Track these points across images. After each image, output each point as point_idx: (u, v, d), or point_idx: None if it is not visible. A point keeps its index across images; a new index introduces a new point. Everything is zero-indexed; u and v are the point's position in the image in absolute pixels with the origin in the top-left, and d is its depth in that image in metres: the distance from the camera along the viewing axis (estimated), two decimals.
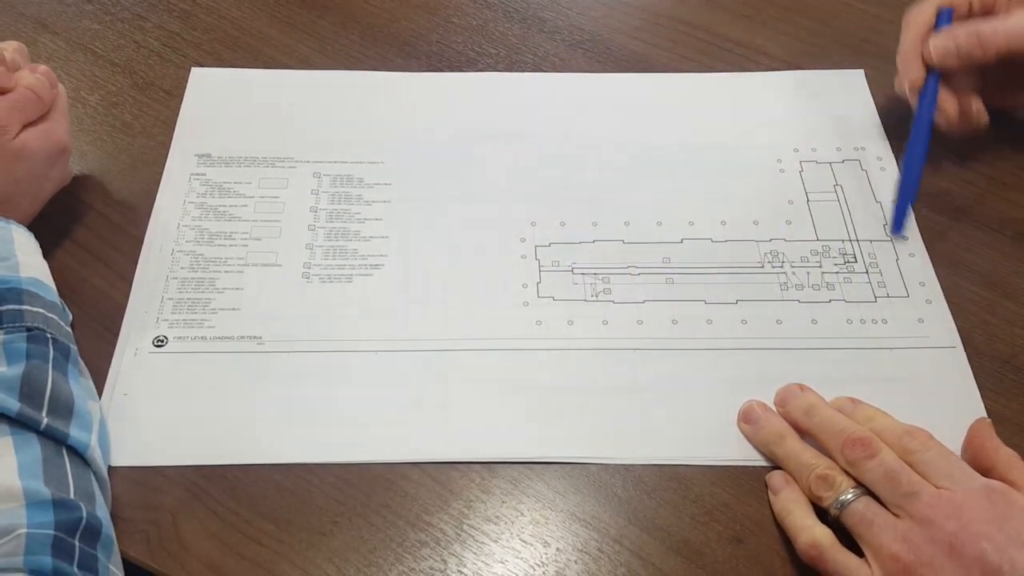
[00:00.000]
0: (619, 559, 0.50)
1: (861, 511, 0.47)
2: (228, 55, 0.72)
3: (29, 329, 0.48)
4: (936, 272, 0.61)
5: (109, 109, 0.68)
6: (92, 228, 0.61)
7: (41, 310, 0.50)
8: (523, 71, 0.72)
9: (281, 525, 0.50)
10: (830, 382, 0.55)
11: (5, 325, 0.48)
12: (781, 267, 0.61)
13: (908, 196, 0.63)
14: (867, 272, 0.61)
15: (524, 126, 0.68)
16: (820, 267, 0.61)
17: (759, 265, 0.61)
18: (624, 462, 0.53)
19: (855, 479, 0.49)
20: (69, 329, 0.53)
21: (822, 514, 0.49)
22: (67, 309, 0.54)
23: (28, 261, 0.52)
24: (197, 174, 0.64)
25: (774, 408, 0.54)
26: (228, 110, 0.68)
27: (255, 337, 0.56)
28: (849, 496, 0.48)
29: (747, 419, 0.54)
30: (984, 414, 0.55)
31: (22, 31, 0.72)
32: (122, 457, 0.51)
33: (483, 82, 0.72)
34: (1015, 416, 0.55)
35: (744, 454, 0.53)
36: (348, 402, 0.54)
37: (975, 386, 0.56)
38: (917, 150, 0.63)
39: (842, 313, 0.59)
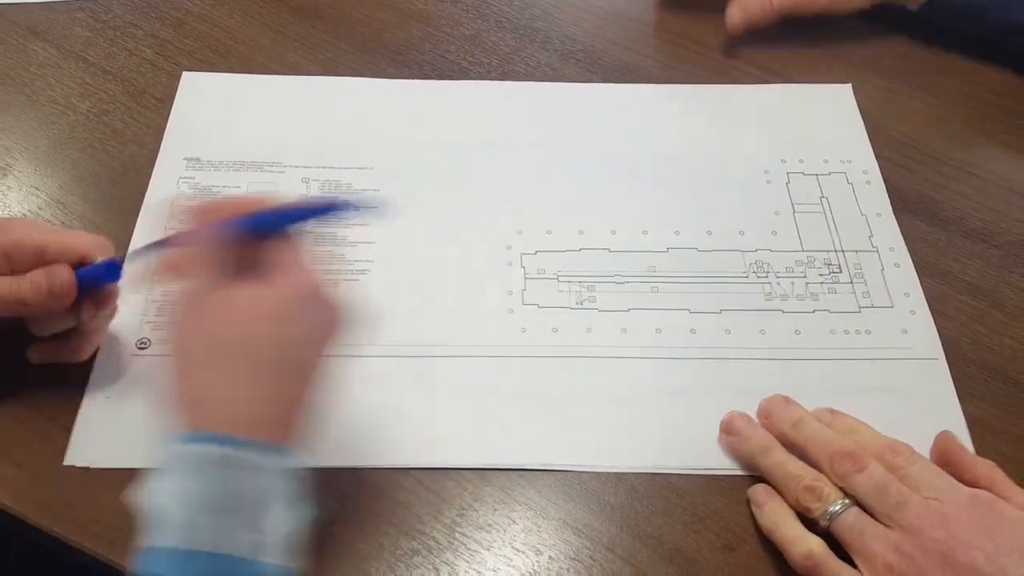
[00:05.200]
0: (611, 567, 0.50)
1: (852, 522, 0.47)
2: (220, 63, 0.72)
3: None
4: (924, 282, 0.62)
5: (100, 116, 0.68)
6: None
7: None
8: (515, 80, 0.73)
9: None
10: (813, 392, 0.55)
11: None
12: (766, 277, 0.61)
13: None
14: (852, 282, 0.61)
15: (513, 135, 0.69)
16: (805, 277, 0.61)
17: (744, 275, 0.61)
18: (612, 471, 0.53)
19: (843, 490, 0.49)
20: None
21: (809, 526, 0.49)
22: None
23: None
24: (185, 177, 0.64)
25: (756, 419, 0.54)
26: (218, 114, 0.69)
27: None
28: (838, 507, 0.48)
29: (729, 431, 0.54)
30: (964, 425, 0.55)
31: (13, 39, 0.72)
32: (104, 459, 0.51)
33: (474, 90, 0.72)
34: (1003, 426, 0.56)
35: (728, 464, 0.53)
36: (331, 408, 0.54)
37: (956, 398, 0.56)
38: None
39: (826, 323, 0.59)
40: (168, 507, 0.38)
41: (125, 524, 0.49)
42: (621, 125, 0.70)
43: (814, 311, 0.60)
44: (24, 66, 0.71)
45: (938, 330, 0.59)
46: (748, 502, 0.52)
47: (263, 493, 0.39)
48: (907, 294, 0.61)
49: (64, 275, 0.49)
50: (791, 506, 0.50)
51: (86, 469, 0.51)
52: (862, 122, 0.70)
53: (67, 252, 0.50)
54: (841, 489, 0.49)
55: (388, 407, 0.55)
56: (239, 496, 0.38)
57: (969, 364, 0.58)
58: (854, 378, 0.57)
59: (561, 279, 0.61)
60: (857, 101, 0.72)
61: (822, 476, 0.49)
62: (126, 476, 0.50)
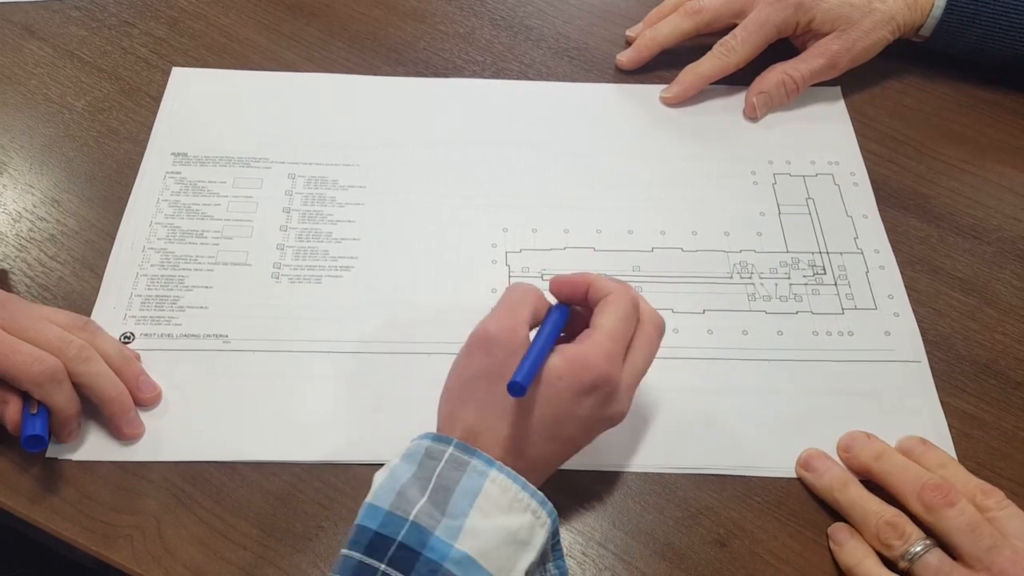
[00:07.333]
0: (604, 563, 0.50)
1: (936, 565, 0.47)
2: (215, 61, 0.72)
3: None
4: (916, 278, 0.61)
5: (95, 115, 0.69)
6: (71, 228, 0.62)
7: None
8: (509, 79, 0.73)
9: (266, 530, 0.50)
10: (794, 393, 0.55)
11: None
12: (750, 278, 0.61)
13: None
14: (835, 284, 0.61)
15: (502, 132, 0.69)
16: (789, 279, 0.61)
17: (728, 275, 0.61)
18: (602, 469, 0.53)
19: (927, 528, 0.48)
20: None
21: (888, 567, 0.48)
22: None
23: (478, 527, 0.42)
24: (172, 172, 0.65)
25: (835, 454, 0.54)
26: (207, 110, 0.69)
27: (221, 336, 0.57)
28: (919, 548, 0.47)
29: (807, 467, 0.53)
30: (946, 430, 0.55)
31: (9, 38, 0.73)
32: (87, 453, 0.52)
33: (466, 88, 0.72)
34: (994, 420, 0.56)
35: (713, 462, 0.53)
36: (312, 402, 0.55)
37: (938, 402, 0.56)
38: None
39: (808, 325, 0.59)
40: (393, 480, 0.44)
41: (123, 522, 0.50)
42: (610, 124, 0.70)
43: (797, 312, 0.59)
44: (20, 65, 0.71)
45: (930, 326, 0.59)
46: (740, 498, 0.52)
47: (474, 494, 0.43)
48: (891, 296, 0.60)
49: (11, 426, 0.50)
50: (870, 544, 0.49)
51: (74, 462, 0.52)
52: (851, 124, 0.70)
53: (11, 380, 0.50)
54: (923, 530, 0.48)
55: (375, 403, 0.55)
56: (450, 490, 0.43)
57: (961, 360, 0.58)
58: (835, 380, 0.57)
59: (545, 277, 0.61)
60: (848, 97, 0.72)
61: (902, 513, 0.49)
62: (127, 478, 0.51)
